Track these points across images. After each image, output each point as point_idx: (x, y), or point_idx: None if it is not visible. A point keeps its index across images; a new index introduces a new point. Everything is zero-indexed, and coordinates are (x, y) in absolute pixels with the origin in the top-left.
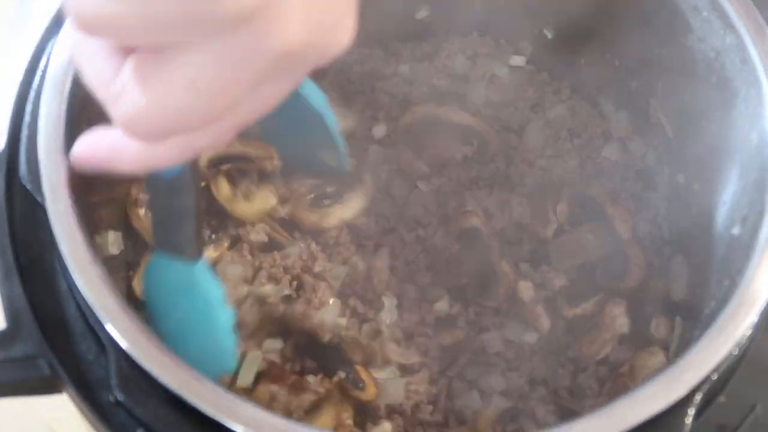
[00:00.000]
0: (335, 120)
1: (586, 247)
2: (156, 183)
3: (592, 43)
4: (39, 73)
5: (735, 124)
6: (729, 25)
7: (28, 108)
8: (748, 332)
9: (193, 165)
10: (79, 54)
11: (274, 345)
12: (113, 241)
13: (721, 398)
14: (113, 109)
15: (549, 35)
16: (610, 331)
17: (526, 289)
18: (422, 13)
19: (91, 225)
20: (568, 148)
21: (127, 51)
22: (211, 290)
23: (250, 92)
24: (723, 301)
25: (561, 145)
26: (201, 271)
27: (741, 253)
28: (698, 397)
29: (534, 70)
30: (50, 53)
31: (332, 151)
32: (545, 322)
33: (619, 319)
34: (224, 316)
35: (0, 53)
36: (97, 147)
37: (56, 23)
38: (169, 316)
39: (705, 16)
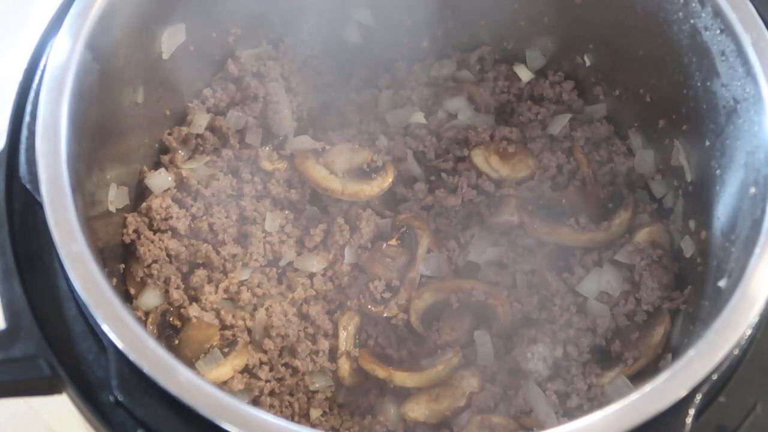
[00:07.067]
0: None
1: None
2: None
3: None
4: (39, 73)
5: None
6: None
7: (28, 108)
8: (748, 332)
9: None
10: None
11: None
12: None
13: (721, 398)
14: None
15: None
16: None
17: None
18: None
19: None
20: None
21: None
22: None
23: None
24: (722, 301)
25: None
26: None
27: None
28: (698, 397)
29: None
30: (50, 53)
31: None
32: None
33: None
34: None
35: (0, 53)
36: None
37: (56, 23)
38: None
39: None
